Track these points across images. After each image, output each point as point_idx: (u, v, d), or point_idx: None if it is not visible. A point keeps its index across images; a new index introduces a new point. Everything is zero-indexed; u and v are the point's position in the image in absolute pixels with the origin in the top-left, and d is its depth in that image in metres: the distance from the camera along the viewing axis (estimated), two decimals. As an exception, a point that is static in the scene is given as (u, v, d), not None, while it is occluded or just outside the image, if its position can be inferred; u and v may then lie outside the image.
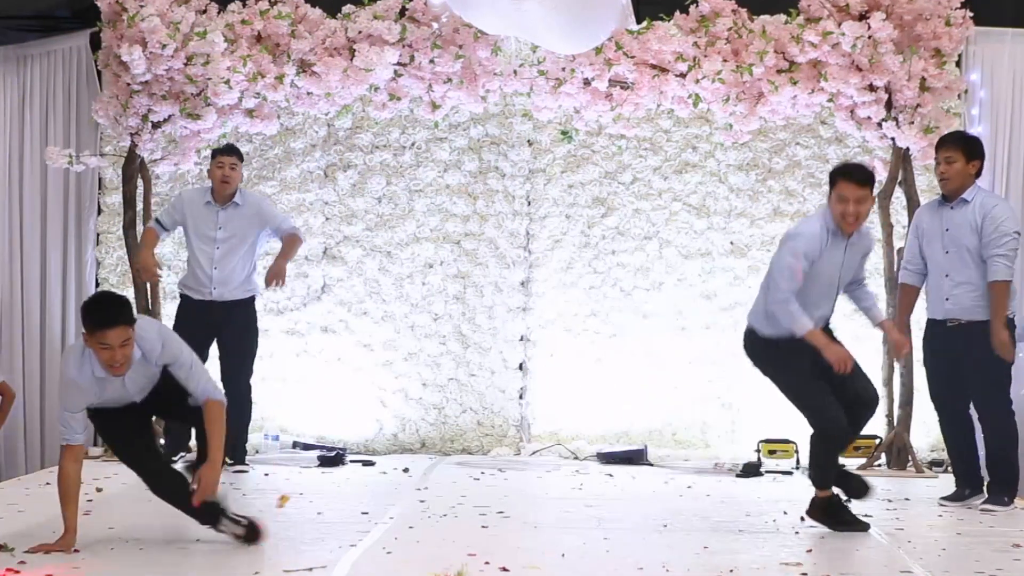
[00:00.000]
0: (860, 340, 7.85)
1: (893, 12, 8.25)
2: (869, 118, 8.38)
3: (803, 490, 6.54)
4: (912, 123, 8.29)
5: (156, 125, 8.51)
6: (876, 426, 8.55)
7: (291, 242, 8.11)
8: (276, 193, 9.15)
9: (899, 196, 8.56)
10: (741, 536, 5.90)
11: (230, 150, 8.11)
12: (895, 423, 8.41)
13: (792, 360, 6.01)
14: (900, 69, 8.20)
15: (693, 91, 8.47)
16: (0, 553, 5.14)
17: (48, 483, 7.26)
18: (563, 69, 8.52)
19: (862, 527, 5.98)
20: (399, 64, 8.49)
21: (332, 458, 8.38)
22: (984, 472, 6.91)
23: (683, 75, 8.47)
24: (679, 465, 8.57)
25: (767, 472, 8.21)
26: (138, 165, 8.66)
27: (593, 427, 9.08)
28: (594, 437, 9.04)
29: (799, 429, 8.79)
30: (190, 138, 8.64)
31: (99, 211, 9.16)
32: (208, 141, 8.74)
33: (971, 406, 6.92)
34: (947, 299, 6.79)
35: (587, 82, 8.55)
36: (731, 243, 9.14)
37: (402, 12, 8.48)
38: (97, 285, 9.14)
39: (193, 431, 5.54)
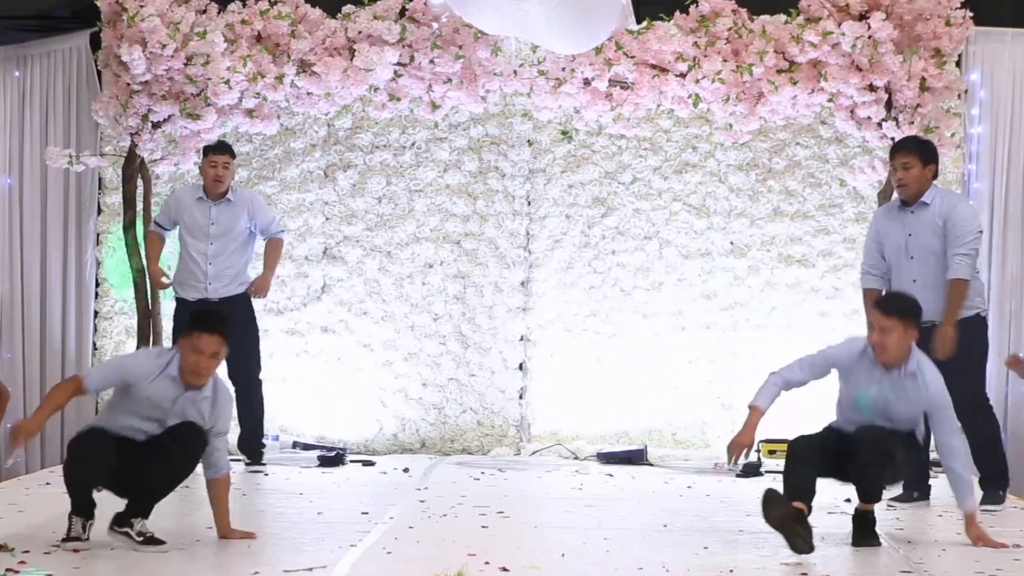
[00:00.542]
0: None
1: (893, 12, 8.25)
2: (869, 118, 8.38)
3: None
4: (912, 123, 8.29)
5: (156, 125, 8.51)
6: (876, 426, 8.56)
7: (274, 249, 8.15)
8: (276, 193, 9.15)
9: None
10: (741, 536, 5.90)
11: (222, 148, 8.15)
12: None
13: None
14: (900, 69, 8.20)
15: (693, 91, 8.47)
16: (0, 553, 5.14)
17: (48, 483, 7.27)
18: (563, 69, 8.52)
19: (806, 548, 5.45)
20: (399, 64, 8.49)
21: (332, 458, 8.37)
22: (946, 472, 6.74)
23: (683, 75, 8.47)
24: (679, 465, 8.57)
25: (767, 472, 8.20)
26: (138, 165, 8.66)
27: (593, 427, 9.07)
28: (594, 437, 9.04)
29: (799, 429, 8.80)
30: (190, 138, 8.64)
31: (99, 211, 9.16)
32: (208, 141, 8.73)
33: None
34: None
35: (587, 82, 8.55)
36: (731, 243, 9.13)
37: (402, 12, 8.48)
38: (97, 285, 9.15)
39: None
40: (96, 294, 9.18)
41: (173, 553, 5.25)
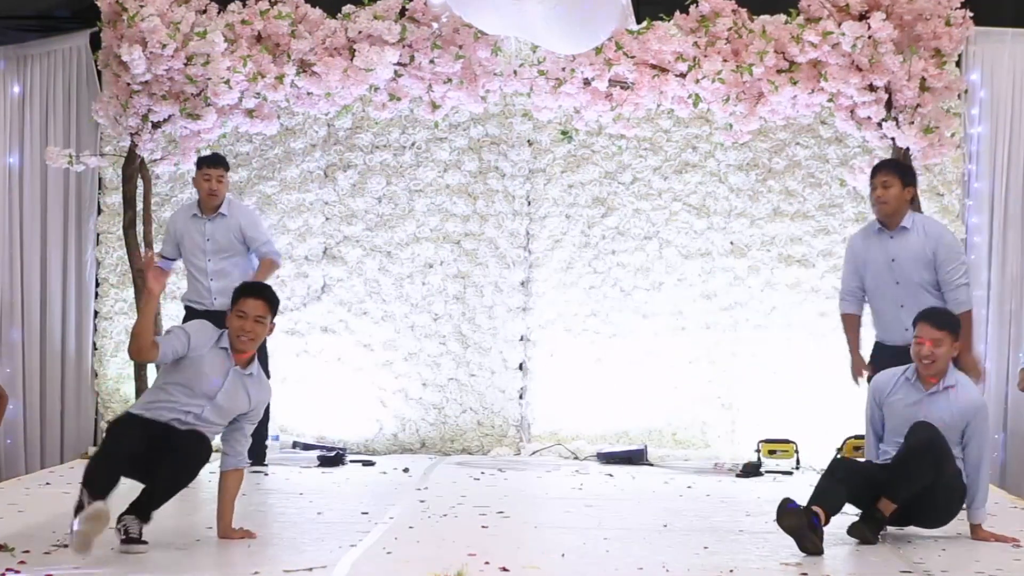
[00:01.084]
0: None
1: (893, 12, 8.25)
2: (869, 118, 8.38)
3: (803, 490, 6.54)
4: (912, 123, 8.29)
5: (156, 125, 8.51)
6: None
7: (263, 270, 8.13)
8: (276, 193, 9.15)
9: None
10: (741, 536, 5.90)
11: (216, 161, 8.18)
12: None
13: None
14: (900, 69, 8.20)
15: (693, 91, 8.47)
16: (0, 553, 5.14)
17: (48, 483, 7.28)
18: (563, 69, 8.52)
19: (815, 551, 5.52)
20: (399, 64, 8.49)
21: (332, 458, 8.38)
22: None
23: (683, 75, 8.47)
24: (679, 465, 8.58)
25: (767, 472, 8.21)
26: (138, 165, 8.66)
27: (593, 427, 9.08)
28: (594, 437, 9.04)
29: (799, 429, 8.82)
30: (190, 138, 8.64)
31: (99, 211, 9.16)
32: (208, 141, 8.74)
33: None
34: (907, 329, 6.48)
35: (587, 82, 8.55)
36: (731, 243, 9.13)
37: (402, 12, 8.48)
38: (97, 285, 9.15)
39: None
40: (96, 294, 9.18)
41: (173, 553, 5.25)
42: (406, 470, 8.13)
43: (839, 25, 8.21)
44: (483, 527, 6.00)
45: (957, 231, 8.98)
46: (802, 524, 5.44)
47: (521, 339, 9.18)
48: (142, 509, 5.31)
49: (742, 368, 9.00)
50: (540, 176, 9.18)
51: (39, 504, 6.46)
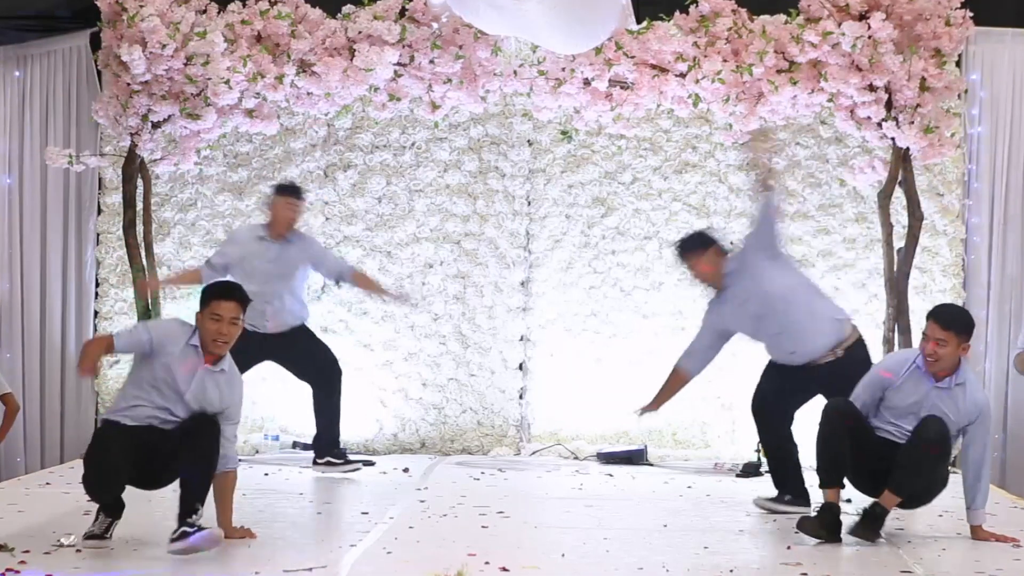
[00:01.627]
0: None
1: (893, 12, 8.25)
2: (869, 118, 8.38)
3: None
4: (912, 123, 8.29)
5: (156, 125, 8.51)
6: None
7: (364, 277, 8.26)
8: (276, 193, 9.15)
9: (899, 196, 8.55)
10: (741, 536, 5.90)
11: (300, 192, 8.17)
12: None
13: None
14: (900, 69, 8.20)
15: (693, 91, 8.47)
16: (0, 553, 5.14)
17: (48, 483, 7.28)
18: (563, 69, 8.52)
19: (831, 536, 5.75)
20: (399, 64, 8.49)
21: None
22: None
23: (683, 75, 8.47)
24: (679, 465, 8.58)
25: (767, 472, 8.20)
26: (138, 165, 8.65)
27: (593, 427, 9.07)
28: (594, 437, 9.03)
29: (798, 429, 8.81)
30: (190, 138, 8.64)
31: (99, 211, 9.16)
32: (208, 141, 8.74)
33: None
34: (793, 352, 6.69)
35: (587, 82, 8.55)
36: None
37: (402, 12, 8.48)
38: (97, 285, 9.15)
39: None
40: (96, 294, 9.18)
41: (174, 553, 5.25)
42: (406, 470, 8.13)
43: (839, 25, 8.21)
44: (483, 527, 6.00)
45: (957, 231, 9.00)
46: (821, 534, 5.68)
47: (521, 339, 9.18)
48: (189, 510, 5.31)
49: (742, 368, 8.98)
50: (540, 176, 9.18)
51: (39, 504, 6.46)
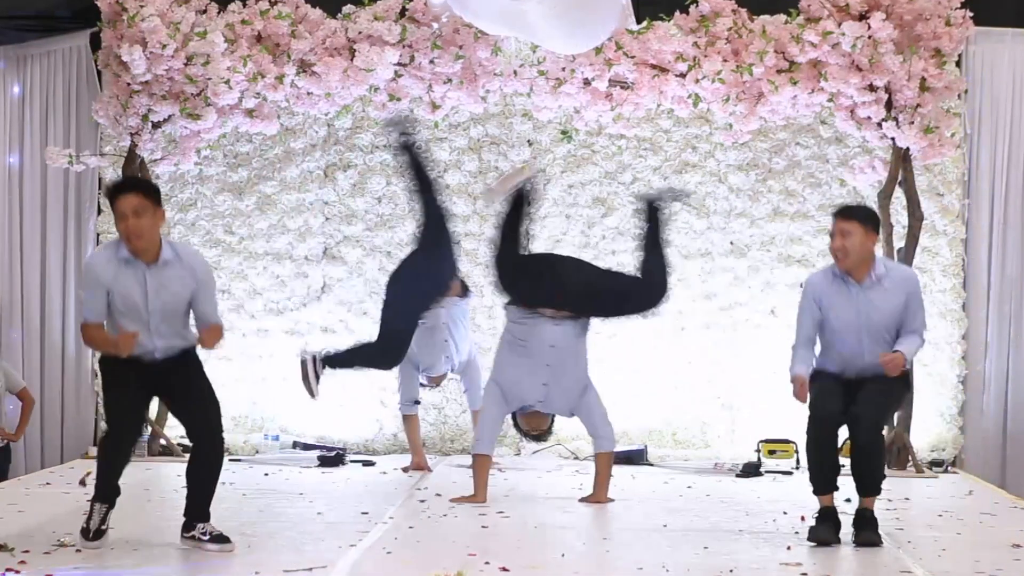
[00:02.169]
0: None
1: (893, 12, 8.25)
2: (869, 118, 8.38)
3: (803, 490, 6.54)
4: (912, 123, 8.29)
5: (156, 125, 8.51)
6: (876, 426, 8.56)
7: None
8: (276, 193, 9.16)
9: (899, 196, 8.56)
10: (741, 536, 5.90)
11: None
12: (895, 423, 8.40)
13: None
14: (900, 69, 8.20)
15: (693, 91, 8.47)
16: (0, 553, 5.14)
17: (48, 483, 7.28)
18: (563, 69, 8.52)
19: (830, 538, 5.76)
20: (399, 64, 8.49)
21: (332, 458, 8.38)
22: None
23: (683, 75, 8.47)
24: (679, 465, 8.58)
25: (767, 472, 8.21)
26: (138, 165, 8.65)
27: (593, 427, 9.06)
28: (594, 437, 9.02)
29: (799, 429, 8.79)
30: (190, 138, 8.64)
31: (99, 211, 9.16)
32: (208, 141, 8.75)
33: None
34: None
35: (587, 82, 8.55)
36: (731, 243, 9.13)
37: (402, 12, 8.49)
38: (97, 285, 9.14)
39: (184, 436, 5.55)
40: (96, 294, 9.17)
41: (174, 553, 5.26)
42: (406, 470, 8.12)
43: (839, 25, 8.21)
44: (483, 527, 6.00)
45: (957, 231, 8.99)
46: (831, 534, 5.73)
47: (521, 339, 9.16)
48: (197, 510, 5.34)
49: (742, 368, 9.00)
50: (540, 176, 9.17)
51: (39, 504, 6.46)
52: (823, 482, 5.83)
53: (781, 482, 7.89)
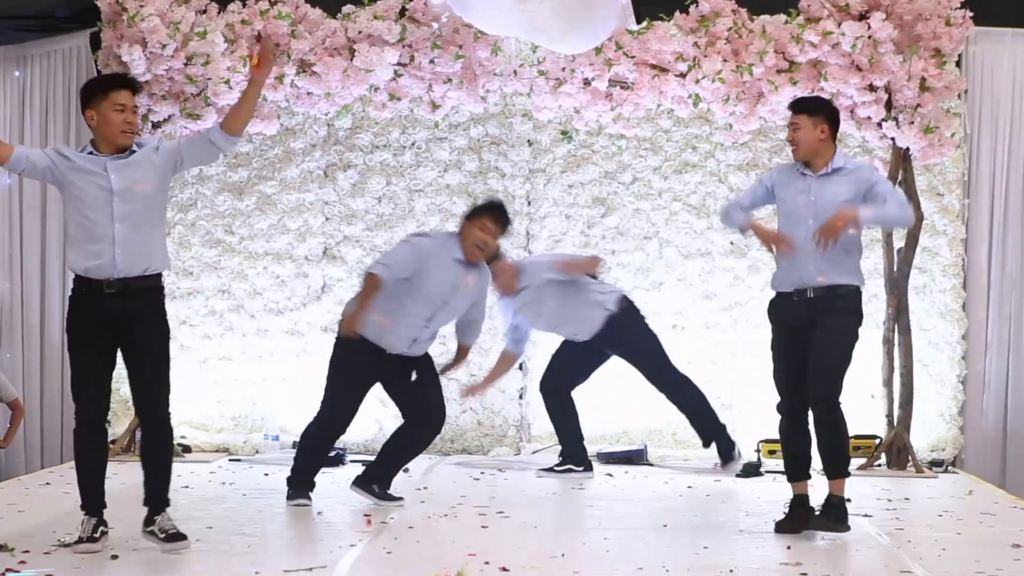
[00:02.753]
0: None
1: (893, 12, 8.25)
2: (869, 118, 8.38)
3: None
4: (912, 123, 8.29)
5: (156, 125, 8.51)
6: (876, 426, 8.56)
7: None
8: (276, 193, 9.15)
9: (899, 196, 8.55)
10: (741, 536, 5.90)
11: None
12: (895, 423, 8.41)
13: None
14: (900, 69, 8.21)
15: (693, 91, 8.47)
16: (0, 553, 5.14)
17: (48, 483, 7.28)
18: (563, 69, 8.52)
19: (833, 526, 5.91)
20: (399, 64, 8.49)
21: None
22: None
23: (683, 75, 8.47)
24: (679, 465, 8.58)
25: (767, 472, 8.21)
26: (138, 165, 8.64)
27: (593, 427, 9.05)
28: (594, 437, 9.01)
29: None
30: (190, 138, 8.64)
31: (99, 211, 9.15)
32: (208, 141, 8.73)
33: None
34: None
35: (587, 82, 8.55)
36: (731, 243, 9.13)
37: (402, 12, 8.49)
38: (97, 285, 9.14)
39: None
40: (96, 294, 9.17)
41: (173, 552, 5.25)
42: (406, 470, 8.11)
43: (839, 25, 8.21)
44: (483, 527, 6.00)
45: (957, 231, 8.99)
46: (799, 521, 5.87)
47: (521, 339, 9.16)
48: (156, 500, 5.32)
49: (742, 368, 8.99)
50: (540, 176, 9.18)
51: (39, 504, 6.47)
52: (792, 470, 6.04)
53: (781, 482, 7.87)
